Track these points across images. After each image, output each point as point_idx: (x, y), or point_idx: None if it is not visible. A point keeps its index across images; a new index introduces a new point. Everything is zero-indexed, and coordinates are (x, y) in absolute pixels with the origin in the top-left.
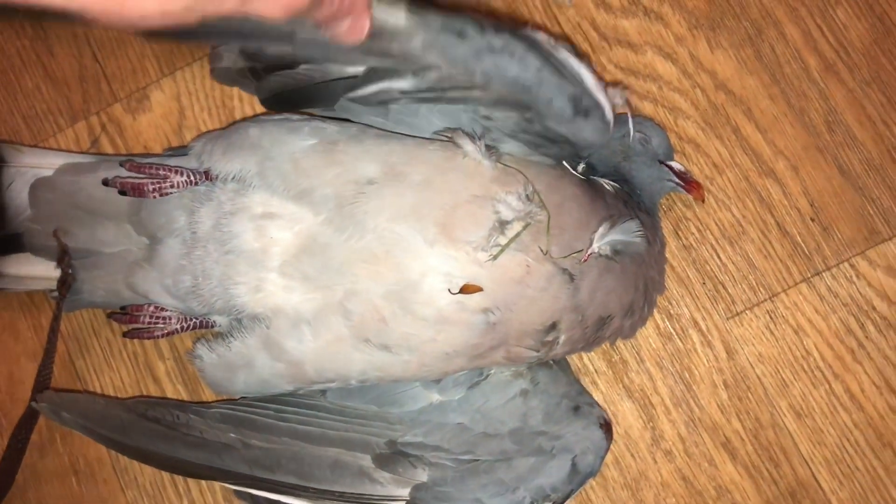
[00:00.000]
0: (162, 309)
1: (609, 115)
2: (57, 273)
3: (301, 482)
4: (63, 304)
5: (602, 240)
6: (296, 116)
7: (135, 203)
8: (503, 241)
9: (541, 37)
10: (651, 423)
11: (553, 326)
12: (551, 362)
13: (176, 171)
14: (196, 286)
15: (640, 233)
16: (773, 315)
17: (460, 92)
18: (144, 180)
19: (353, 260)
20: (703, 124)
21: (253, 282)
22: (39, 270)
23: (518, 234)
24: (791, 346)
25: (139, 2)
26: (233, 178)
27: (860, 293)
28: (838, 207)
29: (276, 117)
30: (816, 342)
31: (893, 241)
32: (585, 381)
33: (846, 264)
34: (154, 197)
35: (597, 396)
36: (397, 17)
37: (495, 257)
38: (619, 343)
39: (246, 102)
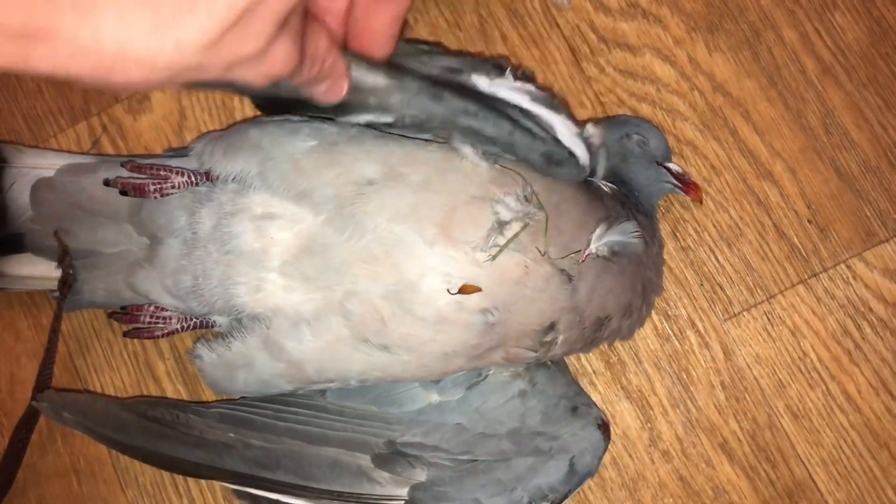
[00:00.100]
0: (162, 309)
1: (584, 159)
2: (58, 273)
3: (300, 482)
4: (64, 303)
5: (600, 240)
6: (296, 118)
7: (135, 203)
8: (502, 241)
9: (516, 90)
10: (649, 424)
11: (551, 327)
12: (549, 363)
13: (177, 172)
14: (196, 286)
15: (637, 233)
16: (770, 316)
17: (444, 131)
18: (145, 181)
19: (353, 260)
20: (700, 126)
21: (253, 282)
22: (40, 270)
23: (516, 235)
24: (788, 347)
25: (125, 72)
26: (233, 178)
27: (857, 295)
28: (835, 209)
29: (277, 118)
30: (813, 343)
31: (890, 243)
32: (583, 382)
33: (843, 266)
34: (155, 197)
35: (595, 397)
36: (375, 79)
37: (494, 257)
38: (617, 344)
39: (246, 103)
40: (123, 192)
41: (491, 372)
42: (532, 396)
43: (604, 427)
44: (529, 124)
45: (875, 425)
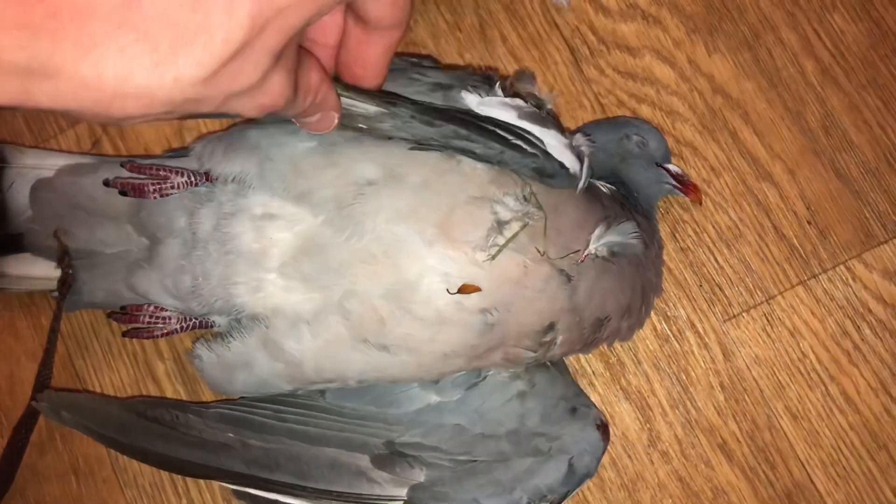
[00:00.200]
0: (161, 309)
1: (574, 168)
2: (57, 273)
3: (299, 482)
4: (63, 303)
5: (599, 241)
6: None
7: (135, 204)
8: (501, 241)
9: (505, 106)
10: (648, 425)
11: (551, 327)
12: (549, 364)
13: (177, 172)
14: (196, 286)
15: (636, 234)
16: (769, 317)
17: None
18: (145, 181)
19: (352, 260)
20: (700, 128)
21: (252, 282)
22: (40, 271)
23: (516, 235)
24: (787, 348)
25: (124, 107)
26: (233, 179)
27: (856, 296)
28: (835, 211)
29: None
30: (813, 345)
31: (889, 244)
32: (583, 383)
33: (842, 267)
34: (154, 198)
35: (594, 398)
36: (367, 108)
37: (493, 257)
38: (617, 345)
39: None
40: (123, 193)
41: (490, 373)
42: (531, 397)
43: (603, 428)
44: (519, 142)
45: (874, 426)
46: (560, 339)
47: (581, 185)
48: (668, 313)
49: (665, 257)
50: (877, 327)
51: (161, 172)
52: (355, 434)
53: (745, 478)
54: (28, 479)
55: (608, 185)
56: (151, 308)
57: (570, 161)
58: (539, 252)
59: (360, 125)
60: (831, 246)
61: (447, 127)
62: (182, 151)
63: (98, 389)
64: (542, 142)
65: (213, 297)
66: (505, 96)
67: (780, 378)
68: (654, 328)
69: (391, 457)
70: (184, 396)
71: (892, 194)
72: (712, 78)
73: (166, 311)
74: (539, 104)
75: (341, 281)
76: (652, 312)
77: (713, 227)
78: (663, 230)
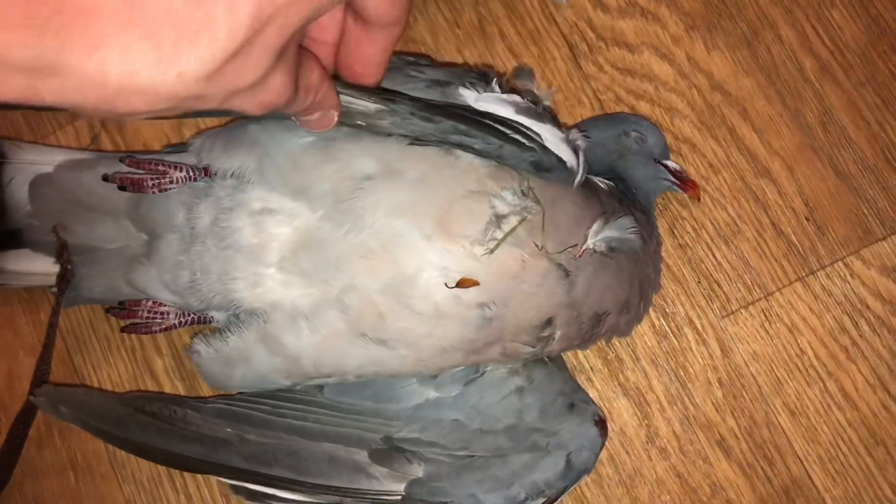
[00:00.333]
0: (160, 304)
1: (571, 161)
2: (56, 269)
3: (297, 477)
4: (62, 299)
5: (597, 236)
6: None
7: (134, 199)
8: (499, 235)
9: (502, 101)
10: (646, 421)
11: (549, 322)
12: (547, 360)
13: (175, 168)
14: (194, 281)
15: (634, 229)
16: (767, 314)
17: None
18: (144, 176)
19: (351, 255)
20: (699, 124)
21: (251, 277)
22: (39, 266)
23: (514, 229)
24: (785, 344)
25: (128, 103)
26: (232, 174)
27: (854, 292)
28: (833, 207)
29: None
30: (811, 341)
31: (887, 240)
32: (581, 379)
33: (840, 263)
34: (153, 192)
35: (592, 394)
36: (366, 105)
37: (492, 251)
38: (615, 341)
39: None
40: (122, 188)
41: (488, 368)
42: (529, 393)
43: (601, 423)
44: (517, 136)
45: (872, 422)
46: (558, 333)
47: (578, 178)
48: (667, 310)
49: (663, 253)
50: (875, 324)
51: (160, 167)
52: (353, 429)
53: (743, 474)
54: (26, 475)
55: (606, 181)
56: (150, 303)
57: (567, 155)
58: (537, 246)
59: (360, 122)
60: (829, 242)
61: (446, 123)
62: (181, 147)
63: (96, 385)
64: (539, 136)
65: (211, 292)
66: (502, 92)
67: (778, 374)
68: (653, 324)
69: (389, 452)
70: (182, 392)
71: (890, 191)
72: (711, 75)
73: (165, 306)
74: (536, 100)
75: (340, 275)
76: (650, 309)
77: (711, 223)
78: (661, 226)
